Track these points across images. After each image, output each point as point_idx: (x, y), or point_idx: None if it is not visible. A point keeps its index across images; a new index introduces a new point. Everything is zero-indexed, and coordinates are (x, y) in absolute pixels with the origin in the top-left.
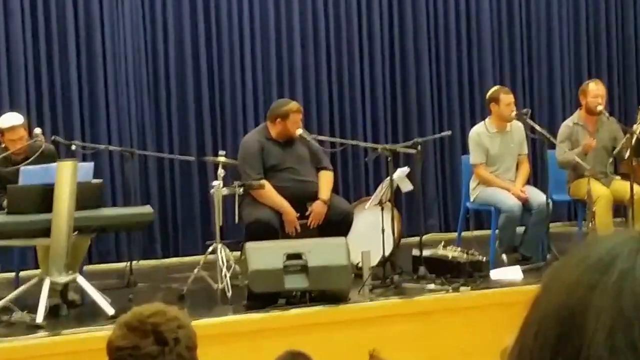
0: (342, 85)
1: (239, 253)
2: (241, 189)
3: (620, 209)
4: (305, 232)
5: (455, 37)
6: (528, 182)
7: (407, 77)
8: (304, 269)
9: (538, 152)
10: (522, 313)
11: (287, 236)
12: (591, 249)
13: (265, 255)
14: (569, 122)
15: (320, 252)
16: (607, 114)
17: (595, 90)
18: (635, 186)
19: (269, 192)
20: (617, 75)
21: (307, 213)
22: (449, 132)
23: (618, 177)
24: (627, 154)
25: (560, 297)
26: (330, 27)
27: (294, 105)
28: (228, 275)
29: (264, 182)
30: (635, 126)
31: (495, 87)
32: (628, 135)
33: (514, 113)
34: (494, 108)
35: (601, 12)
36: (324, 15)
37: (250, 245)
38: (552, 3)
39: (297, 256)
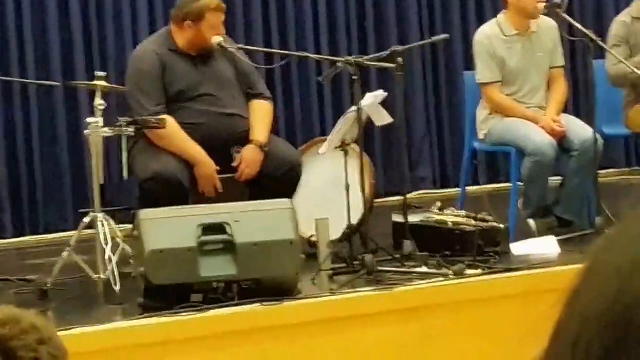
0: None
1: (130, 226)
2: (132, 129)
3: None
4: (231, 192)
5: None
6: (566, 110)
7: None
8: (230, 247)
9: (580, 64)
10: (557, 309)
11: (202, 198)
12: None
13: (169, 228)
14: (625, 16)
15: (254, 221)
16: None
17: None
18: None
19: (174, 133)
20: None
21: (233, 163)
22: (445, 36)
23: None
24: None
25: (609, 290)
26: None
27: (211, 0)
28: (114, 260)
29: (166, 117)
30: None
31: None
32: None
33: (542, 5)
34: None
35: None
36: None
37: (146, 215)
38: None
39: (219, 228)
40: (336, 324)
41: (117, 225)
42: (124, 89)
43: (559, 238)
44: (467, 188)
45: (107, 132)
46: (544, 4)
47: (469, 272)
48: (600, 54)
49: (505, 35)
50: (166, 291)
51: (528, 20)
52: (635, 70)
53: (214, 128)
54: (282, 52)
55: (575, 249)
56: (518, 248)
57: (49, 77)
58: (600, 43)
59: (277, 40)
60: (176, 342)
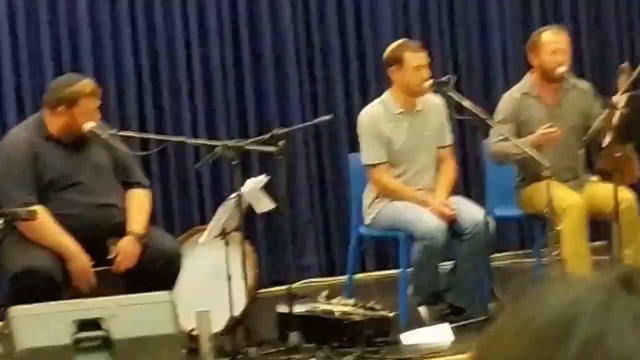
0: (154, 52)
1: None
2: (1, 221)
3: (600, 225)
4: (107, 286)
5: None
6: (456, 191)
7: (259, 39)
8: (106, 343)
9: (469, 142)
10: None
11: (76, 293)
12: (540, 305)
13: (42, 324)
14: (514, 92)
15: (131, 316)
16: (573, 79)
17: (553, 44)
18: (622, 190)
19: (45, 225)
20: (588, 19)
21: (109, 256)
22: (328, 117)
23: (595, 177)
24: (607, 140)
25: None
26: None
27: (86, 84)
28: None
29: (38, 208)
30: (616, 96)
31: (398, 42)
32: (608, 111)
33: (427, 82)
34: (396, 74)
35: None
36: None
37: (17, 311)
38: None
39: (94, 324)
40: None
41: None
42: None
43: (452, 325)
44: (354, 275)
45: None
46: (430, 82)
47: None
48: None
49: (391, 114)
50: None
51: (414, 99)
52: (523, 148)
53: (88, 219)
54: (158, 137)
55: (468, 336)
56: (409, 337)
57: None
58: (489, 122)
59: (153, 125)
60: None
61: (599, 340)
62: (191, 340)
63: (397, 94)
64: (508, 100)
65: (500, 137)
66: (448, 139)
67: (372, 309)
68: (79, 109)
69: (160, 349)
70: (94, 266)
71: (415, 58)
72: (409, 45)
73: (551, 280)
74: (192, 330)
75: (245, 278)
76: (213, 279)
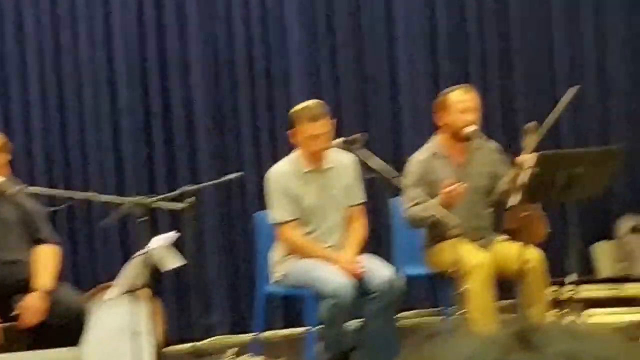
0: (62, 107)
1: None
2: None
3: (507, 284)
4: (12, 342)
5: (242, 28)
6: (365, 249)
7: (169, 96)
8: None
9: (379, 201)
10: None
11: None
12: (439, 358)
13: None
14: (422, 153)
15: None
16: (481, 138)
17: (462, 103)
18: (529, 249)
19: None
20: (496, 79)
21: (13, 313)
22: (237, 175)
23: (503, 237)
24: (515, 199)
25: None
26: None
27: None
28: None
29: None
30: (521, 155)
31: (297, 108)
32: (515, 170)
33: (327, 148)
34: (295, 140)
35: None
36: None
37: None
38: None
39: None
40: None
41: None
42: None
43: None
44: (262, 333)
45: None
46: (340, 140)
47: None
48: (399, 191)
49: (300, 172)
50: None
51: (320, 155)
52: (435, 212)
53: None
54: (65, 193)
55: None
56: None
57: None
58: (397, 183)
59: (61, 180)
60: None
61: None
62: None
63: (305, 151)
64: (416, 162)
65: (413, 203)
66: (359, 197)
67: None
68: None
69: None
70: None
71: (313, 127)
72: (306, 114)
73: (451, 335)
74: None
75: (153, 335)
76: (120, 336)
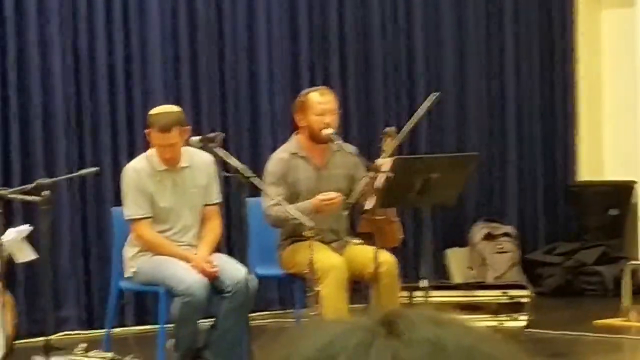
0: None
1: None
2: None
3: (361, 288)
4: None
5: (103, 29)
6: (219, 249)
7: (26, 86)
8: None
9: (235, 200)
10: None
11: None
12: (298, 344)
13: None
14: (282, 152)
15: None
16: (339, 141)
17: (321, 104)
18: (383, 253)
19: None
20: (356, 83)
21: None
22: (94, 169)
23: (357, 240)
24: (370, 203)
25: None
26: None
27: None
28: None
29: None
30: (379, 159)
31: (153, 111)
32: (371, 174)
33: (192, 139)
34: (150, 141)
35: None
36: None
37: None
38: None
39: None
40: None
41: None
42: None
43: None
44: (114, 329)
45: None
46: (194, 139)
47: None
48: (257, 190)
49: (155, 170)
50: None
51: (172, 155)
52: (289, 211)
53: None
54: None
55: None
56: None
57: None
58: (255, 182)
59: None
60: None
61: None
62: None
63: (157, 149)
64: (277, 161)
65: (273, 202)
66: (215, 196)
67: None
68: None
69: None
70: None
71: (160, 138)
72: (158, 121)
73: (307, 324)
74: None
75: (4, 327)
76: None
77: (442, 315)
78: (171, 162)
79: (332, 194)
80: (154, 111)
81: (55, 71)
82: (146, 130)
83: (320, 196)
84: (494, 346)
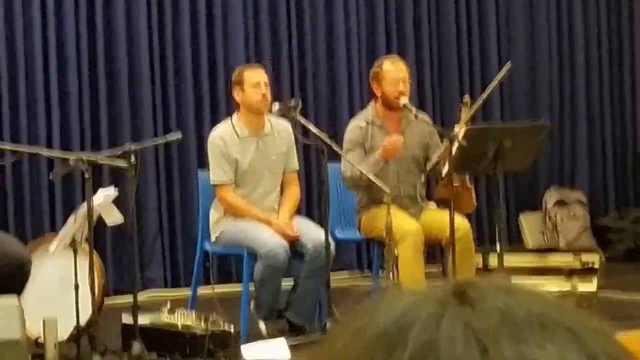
0: (13, 64)
1: None
2: None
3: (436, 251)
4: None
5: (188, 3)
6: (299, 212)
7: (113, 55)
8: None
9: (314, 166)
10: None
11: None
12: (373, 314)
13: None
14: (359, 120)
15: None
16: (414, 109)
17: (393, 73)
18: (458, 218)
19: None
20: (430, 53)
21: None
22: (178, 135)
23: (433, 205)
24: (445, 170)
25: None
26: None
27: None
28: None
29: None
30: (456, 128)
31: (240, 66)
32: (446, 142)
33: (267, 104)
34: (239, 95)
35: None
36: None
37: None
38: None
39: None
40: None
41: None
42: None
43: (290, 342)
44: (198, 289)
45: None
46: (277, 105)
47: None
48: (334, 157)
49: (239, 136)
50: None
51: (259, 119)
52: (366, 174)
53: None
54: (12, 147)
55: (305, 353)
56: (248, 351)
57: None
58: (335, 147)
59: (7, 135)
60: None
61: (431, 348)
62: (37, 347)
63: (244, 116)
64: (354, 128)
65: (352, 166)
66: (294, 163)
67: (214, 322)
68: None
69: (5, 353)
70: None
71: (254, 76)
72: (247, 65)
73: (385, 293)
74: (38, 338)
75: (92, 288)
76: (61, 288)
77: (512, 284)
78: (259, 122)
79: (394, 136)
80: (238, 68)
81: (140, 39)
82: (234, 90)
83: (384, 142)
84: (564, 313)
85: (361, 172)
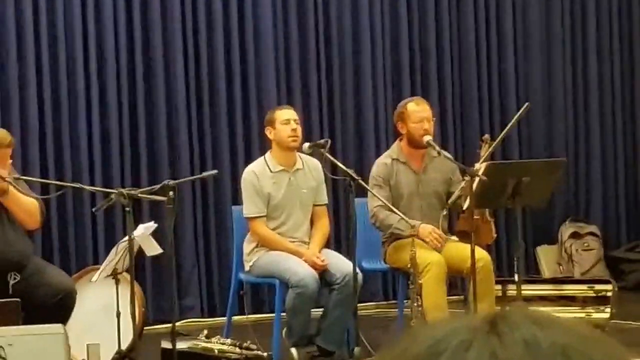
0: (58, 112)
1: None
2: None
3: (457, 282)
4: (6, 316)
5: (222, 45)
6: (327, 245)
7: (153, 96)
8: None
9: (341, 201)
10: None
11: None
12: (412, 341)
13: None
14: (385, 158)
15: (27, 344)
16: (437, 148)
17: (417, 113)
18: (478, 250)
19: None
20: (452, 94)
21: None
22: (214, 172)
23: (455, 238)
24: (466, 204)
25: None
26: (42, 43)
27: (3, 136)
28: None
29: None
30: (477, 165)
31: (274, 108)
32: (467, 178)
33: (298, 140)
34: (272, 133)
35: (429, 15)
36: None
37: None
38: (360, 3)
39: None
40: None
41: None
42: None
43: None
44: (233, 317)
45: None
46: (308, 145)
47: None
48: (361, 193)
49: (272, 171)
50: None
51: (290, 155)
52: (392, 208)
53: None
54: (57, 182)
55: None
56: None
57: None
58: (362, 182)
59: (53, 171)
60: None
61: None
62: None
63: (276, 153)
64: (380, 165)
65: (379, 204)
66: (323, 198)
67: (247, 348)
68: None
69: None
70: None
71: (283, 114)
72: (279, 107)
73: (421, 325)
74: None
75: (133, 315)
76: (103, 315)
77: (545, 314)
78: (290, 158)
79: (444, 236)
80: (271, 109)
81: (177, 80)
82: (266, 129)
83: (434, 231)
84: (590, 345)
85: (390, 221)
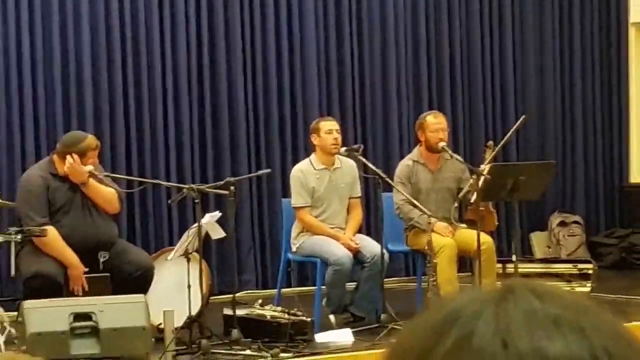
0: (141, 114)
1: (15, 314)
2: (19, 236)
3: (465, 261)
4: (97, 288)
5: (274, 63)
6: (360, 230)
7: (218, 107)
8: (95, 331)
9: (371, 194)
10: None
11: (73, 293)
12: (433, 310)
13: (46, 315)
14: (407, 160)
15: (114, 312)
16: (450, 152)
17: (434, 124)
18: (483, 235)
19: (53, 240)
20: (462, 107)
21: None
22: (267, 170)
23: (463, 225)
24: (473, 198)
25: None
26: (128, 52)
27: (92, 140)
28: (1, 340)
29: (49, 228)
30: (482, 166)
31: (319, 118)
32: (474, 177)
33: (338, 147)
34: (316, 140)
35: (444, 39)
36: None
37: (28, 304)
38: (387, 26)
39: (86, 317)
40: None
41: (6, 312)
42: (13, 205)
43: (353, 330)
44: (282, 289)
45: None
46: (345, 148)
47: (283, 355)
48: (388, 188)
49: (316, 169)
50: None
51: (331, 157)
52: (422, 208)
53: (86, 236)
54: (140, 179)
55: (364, 338)
56: (321, 337)
57: None
58: (388, 180)
59: (136, 170)
60: None
61: (467, 339)
62: (158, 332)
63: (319, 155)
64: (403, 166)
65: (403, 199)
66: (357, 192)
67: (294, 314)
68: (85, 159)
69: (135, 337)
70: (87, 273)
71: (327, 125)
72: (322, 118)
73: (446, 297)
74: (159, 324)
75: (201, 287)
76: (177, 288)
77: (547, 289)
78: (335, 152)
79: (453, 231)
80: (316, 120)
81: (239, 92)
82: (311, 136)
83: (446, 228)
84: (580, 314)
85: (412, 203)
